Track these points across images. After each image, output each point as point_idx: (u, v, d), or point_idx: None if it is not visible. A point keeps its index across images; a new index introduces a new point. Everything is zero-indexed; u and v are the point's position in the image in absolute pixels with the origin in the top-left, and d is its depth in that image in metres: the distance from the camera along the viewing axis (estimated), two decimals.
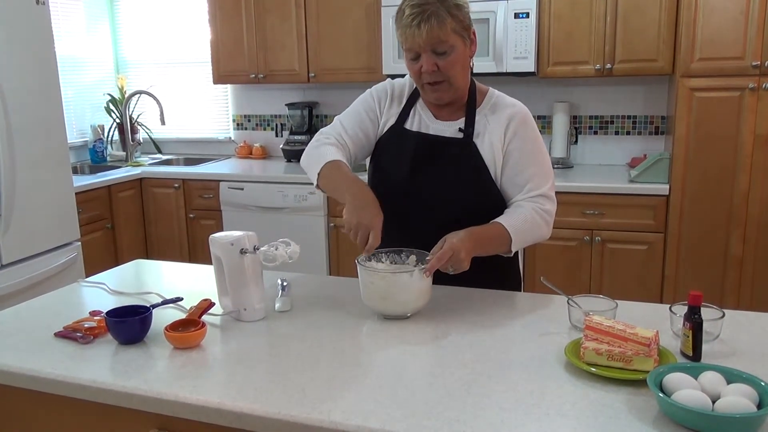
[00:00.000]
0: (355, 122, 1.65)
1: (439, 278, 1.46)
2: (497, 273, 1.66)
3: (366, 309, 1.47)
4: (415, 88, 1.63)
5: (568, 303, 1.38)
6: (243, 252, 1.41)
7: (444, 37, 1.46)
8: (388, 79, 1.69)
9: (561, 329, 1.36)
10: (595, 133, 3.57)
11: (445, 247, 1.41)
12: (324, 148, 1.59)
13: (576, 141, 3.57)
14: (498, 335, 1.34)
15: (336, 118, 1.71)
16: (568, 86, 3.55)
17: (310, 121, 3.99)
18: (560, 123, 3.48)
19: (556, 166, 3.49)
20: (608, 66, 3.13)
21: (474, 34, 1.53)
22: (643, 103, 3.47)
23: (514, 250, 1.55)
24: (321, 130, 1.69)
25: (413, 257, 1.48)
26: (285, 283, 1.63)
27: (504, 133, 1.55)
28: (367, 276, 1.42)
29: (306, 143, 3.89)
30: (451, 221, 1.50)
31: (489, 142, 1.55)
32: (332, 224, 3.47)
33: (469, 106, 1.58)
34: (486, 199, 1.57)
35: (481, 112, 1.58)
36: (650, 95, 3.45)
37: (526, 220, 1.53)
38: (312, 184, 1.59)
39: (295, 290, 1.63)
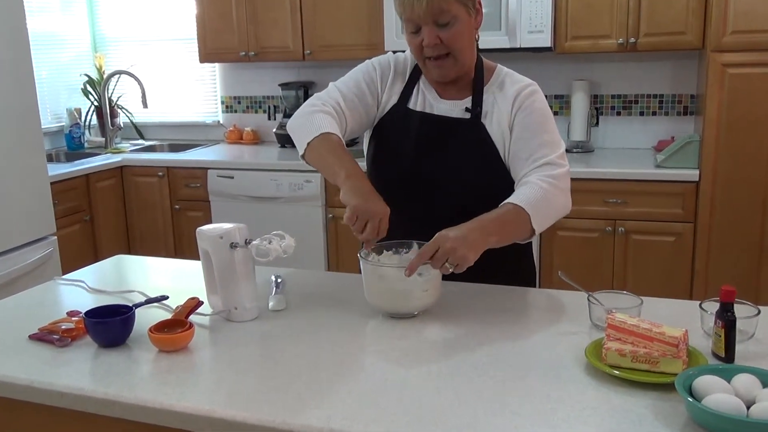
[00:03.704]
0: (354, 93, 1.63)
1: (449, 275, 1.43)
2: (510, 267, 1.66)
3: (368, 307, 1.47)
4: (417, 64, 1.63)
5: (589, 300, 1.38)
6: (233, 246, 1.41)
7: (446, 7, 1.45)
8: (390, 53, 1.69)
9: (580, 328, 1.36)
10: (618, 114, 3.56)
11: (430, 242, 1.37)
12: (319, 117, 1.56)
13: (597, 123, 3.56)
14: (512, 335, 1.35)
15: (332, 83, 1.68)
16: (588, 63, 3.54)
17: None
18: (579, 103, 3.47)
19: (575, 150, 3.49)
20: (632, 40, 3.11)
21: (480, 3, 1.53)
22: (671, 81, 3.46)
23: (538, 230, 1.49)
24: (315, 95, 1.67)
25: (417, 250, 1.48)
26: (279, 280, 1.63)
27: (511, 108, 1.55)
28: (371, 272, 1.42)
29: None
30: (460, 209, 1.50)
31: (497, 122, 1.56)
32: (330, 215, 3.47)
33: (476, 84, 1.59)
34: (498, 184, 1.57)
35: (489, 90, 1.58)
36: (678, 72, 3.44)
37: (537, 191, 1.48)
38: (313, 174, 1.59)
39: (291, 287, 1.63)
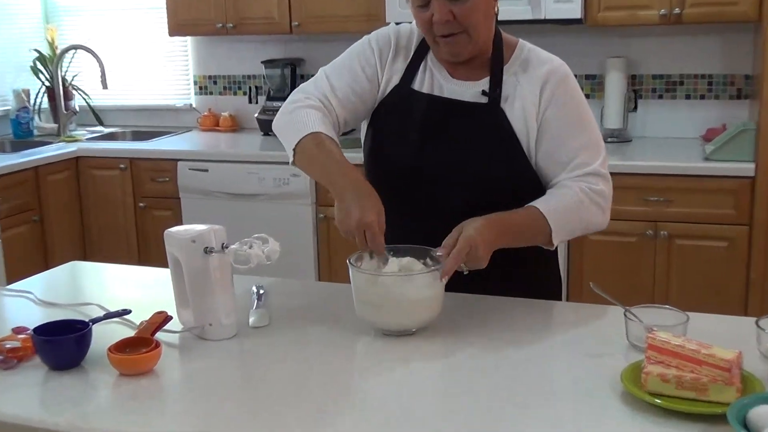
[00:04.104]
0: (347, 80, 1.64)
1: (451, 283, 1.46)
2: (531, 275, 1.66)
3: (363, 323, 1.47)
4: (423, 39, 1.63)
5: (626, 315, 1.37)
6: (208, 251, 1.41)
7: None
8: (392, 25, 1.69)
9: (616, 349, 1.35)
10: (660, 97, 3.56)
11: (461, 241, 1.42)
12: (303, 113, 1.58)
13: (635, 108, 3.55)
14: (534, 356, 1.34)
15: (321, 70, 1.70)
16: (625, 37, 3.53)
17: (293, 82, 3.99)
18: (615, 85, 3.46)
19: (609, 139, 3.48)
20: (676, 11, 3.11)
21: None
22: (721, 59, 3.45)
23: (556, 242, 1.55)
24: (300, 86, 1.69)
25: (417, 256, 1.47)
26: (261, 291, 1.63)
27: (539, 96, 1.56)
28: (361, 281, 1.42)
29: None
30: (470, 208, 1.51)
31: (520, 107, 1.56)
32: (322, 215, 3.47)
33: (495, 63, 1.59)
34: (518, 180, 1.58)
35: (510, 70, 1.59)
36: (730, 49, 3.43)
37: (571, 202, 1.53)
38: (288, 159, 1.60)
39: (275, 300, 1.62)
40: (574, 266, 3.15)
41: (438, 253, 1.44)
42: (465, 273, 1.43)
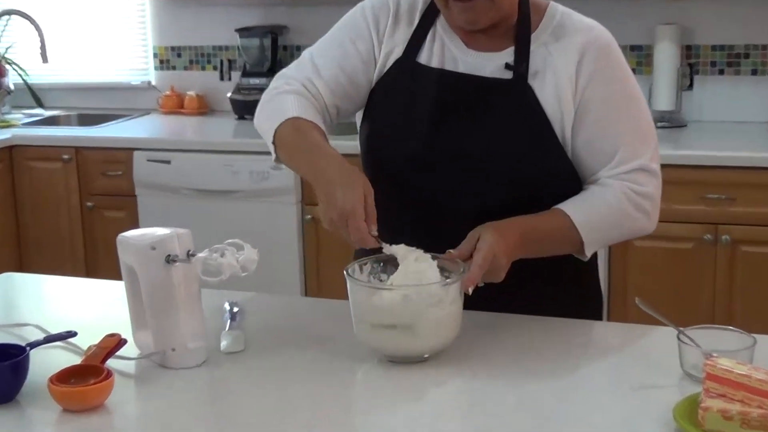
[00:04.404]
0: (334, 57, 1.65)
1: (468, 298, 1.45)
2: (565, 289, 1.66)
3: (360, 347, 1.46)
4: (432, 1, 1.63)
5: (679, 338, 1.37)
6: (170, 261, 1.40)
7: None
8: None
9: (667, 379, 1.35)
10: (721, 72, 3.56)
11: (485, 246, 1.43)
12: (281, 99, 1.60)
13: (690, 85, 3.54)
14: (569, 388, 1.34)
15: (307, 51, 1.71)
16: (678, 0, 3.53)
17: (274, 55, 3.98)
18: (665, 58, 3.46)
19: (659, 124, 3.45)
20: None
21: None
22: None
23: (589, 253, 1.56)
24: (281, 71, 1.70)
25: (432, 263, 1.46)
26: (236, 309, 1.63)
27: (576, 70, 1.56)
28: (361, 296, 1.42)
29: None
30: (490, 210, 1.51)
31: (553, 85, 1.56)
32: (309, 216, 3.46)
33: (521, 30, 1.58)
34: (549, 174, 1.58)
35: (540, 39, 1.58)
36: None
37: (611, 209, 1.54)
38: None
39: (252, 319, 1.62)
40: (616, 277, 3.13)
41: (445, 258, 1.45)
42: (480, 285, 1.43)
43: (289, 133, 1.54)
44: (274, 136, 1.56)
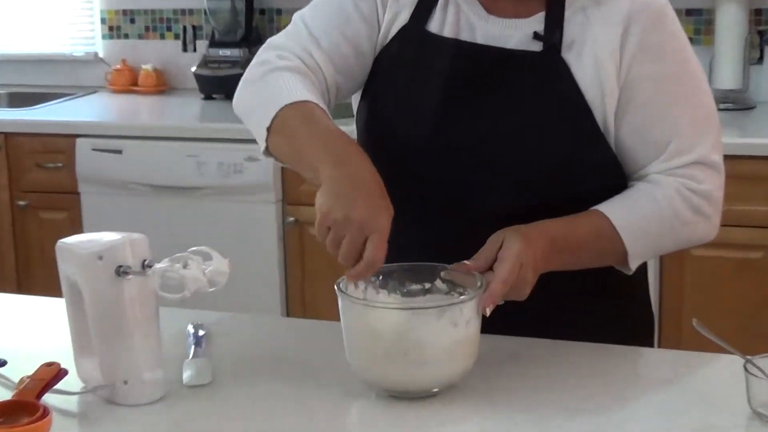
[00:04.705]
0: (334, 24, 1.61)
1: (486, 321, 1.41)
2: (604, 308, 1.62)
3: (356, 380, 1.41)
4: None
5: (746, 369, 1.31)
6: (122, 273, 1.35)
7: None
8: None
9: (732, 419, 1.30)
10: None
11: (511, 258, 1.38)
12: (277, 77, 1.55)
13: (760, 57, 3.55)
14: (609, 430, 1.30)
15: (297, 15, 1.66)
16: None
17: (249, 21, 3.98)
18: (730, 25, 3.44)
19: (722, 106, 3.40)
20: None
21: None
22: None
23: (634, 266, 1.51)
24: (268, 41, 1.66)
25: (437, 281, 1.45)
26: (202, 333, 1.59)
27: (621, 42, 1.52)
28: (358, 315, 1.37)
29: (241, 63, 3.82)
30: (514, 211, 1.48)
31: (592, 58, 1.52)
32: (292, 218, 3.44)
33: None
34: (586, 166, 1.54)
35: (576, 3, 1.55)
36: None
37: (661, 213, 1.50)
38: (257, 146, 1.58)
39: (221, 345, 1.58)
40: (669, 294, 3.11)
41: (458, 269, 1.42)
42: (500, 304, 1.39)
43: (296, 117, 1.49)
44: (273, 122, 1.50)
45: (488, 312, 1.37)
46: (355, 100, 1.70)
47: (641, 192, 1.53)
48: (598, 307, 1.62)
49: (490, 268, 1.40)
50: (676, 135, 1.52)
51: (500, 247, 1.40)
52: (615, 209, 1.50)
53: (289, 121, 1.49)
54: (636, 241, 1.50)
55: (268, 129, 1.50)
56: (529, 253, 1.39)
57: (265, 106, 1.52)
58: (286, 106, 1.49)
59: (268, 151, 1.53)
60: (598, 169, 1.55)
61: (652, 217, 1.51)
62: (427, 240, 1.53)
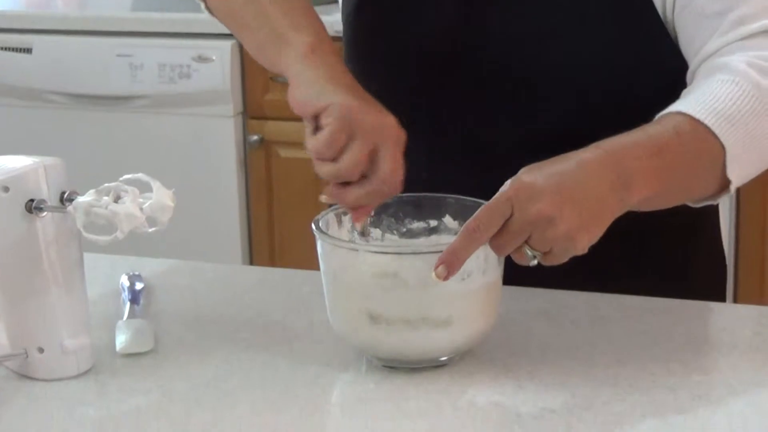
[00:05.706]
0: None
1: (511, 271, 1.28)
2: (667, 253, 1.54)
3: (341, 346, 1.34)
4: None
5: None
6: (34, 209, 1.28)
7: None
8: None
9: None
10: None
11: (501, 192, 1.20)
12: None
13: None
14: (670, 409, 1.20)
15: None
16: None
17: None
18: None
19: None
20: None
21: None
22: None
23: (738, 180, 1.34)
24: None
25: (447, 218, 1.34)
26: (139, 287, 1.53)
27: None
28: (343, 263, 1.28)
29: None
30: (555, 126, 1.40)
31: None
32: (256, 136, 3.26)
33: None
34: (649, 70, 1.45)
35: None
36: None
37: (739, 91, 1.33)
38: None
39: (164, 302, 1.51)
40: (747, 237, 3.05)
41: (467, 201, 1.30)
42: (531, 264, 1.22)
43: None
44: None
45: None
46: None
47: (708, 79, 1.38)
48: (659, 252, 1.55)
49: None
50: (740, 3, 1.41)
51: None
52: (696, 104, 1.34)
53: None
54: (732, 128, 1.32)
55: None
56: (548, 184, 1.20)
57: None
58: None
59: (207, 7, 1.49)
60: (663, 74, 1.48)
61: (735, 98, 1.34)
62: (437, 174, 1.44)
